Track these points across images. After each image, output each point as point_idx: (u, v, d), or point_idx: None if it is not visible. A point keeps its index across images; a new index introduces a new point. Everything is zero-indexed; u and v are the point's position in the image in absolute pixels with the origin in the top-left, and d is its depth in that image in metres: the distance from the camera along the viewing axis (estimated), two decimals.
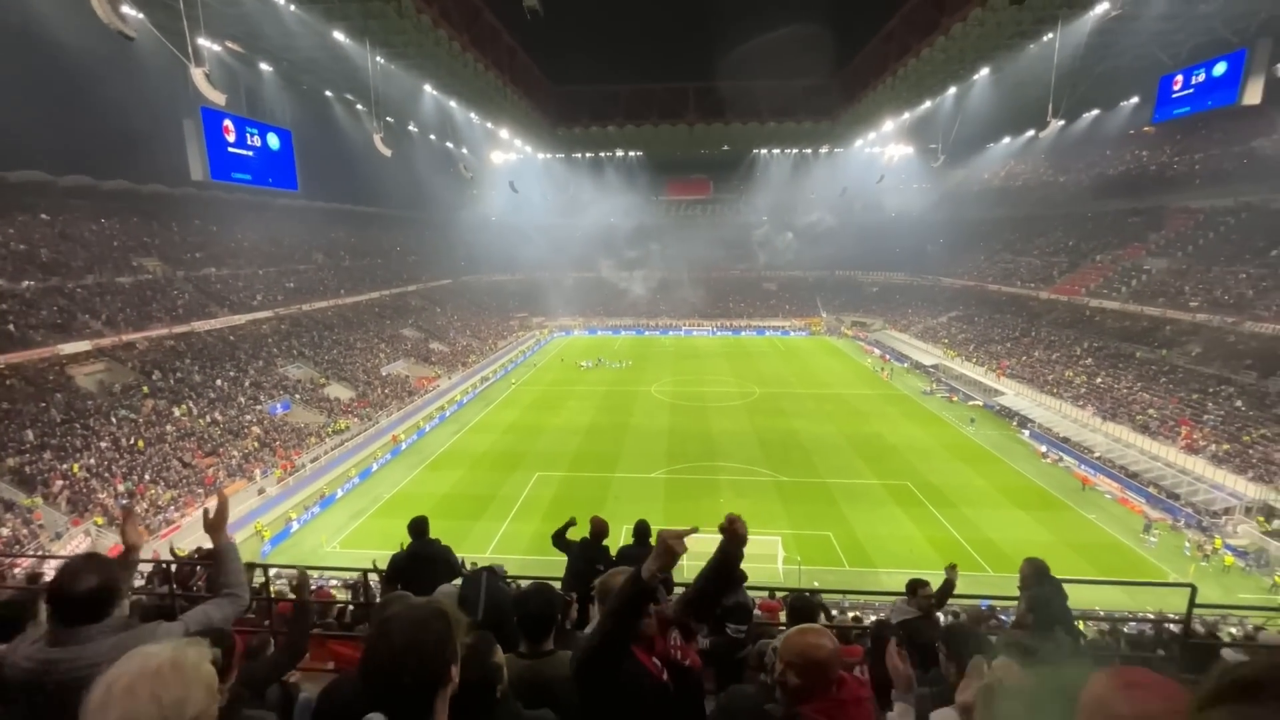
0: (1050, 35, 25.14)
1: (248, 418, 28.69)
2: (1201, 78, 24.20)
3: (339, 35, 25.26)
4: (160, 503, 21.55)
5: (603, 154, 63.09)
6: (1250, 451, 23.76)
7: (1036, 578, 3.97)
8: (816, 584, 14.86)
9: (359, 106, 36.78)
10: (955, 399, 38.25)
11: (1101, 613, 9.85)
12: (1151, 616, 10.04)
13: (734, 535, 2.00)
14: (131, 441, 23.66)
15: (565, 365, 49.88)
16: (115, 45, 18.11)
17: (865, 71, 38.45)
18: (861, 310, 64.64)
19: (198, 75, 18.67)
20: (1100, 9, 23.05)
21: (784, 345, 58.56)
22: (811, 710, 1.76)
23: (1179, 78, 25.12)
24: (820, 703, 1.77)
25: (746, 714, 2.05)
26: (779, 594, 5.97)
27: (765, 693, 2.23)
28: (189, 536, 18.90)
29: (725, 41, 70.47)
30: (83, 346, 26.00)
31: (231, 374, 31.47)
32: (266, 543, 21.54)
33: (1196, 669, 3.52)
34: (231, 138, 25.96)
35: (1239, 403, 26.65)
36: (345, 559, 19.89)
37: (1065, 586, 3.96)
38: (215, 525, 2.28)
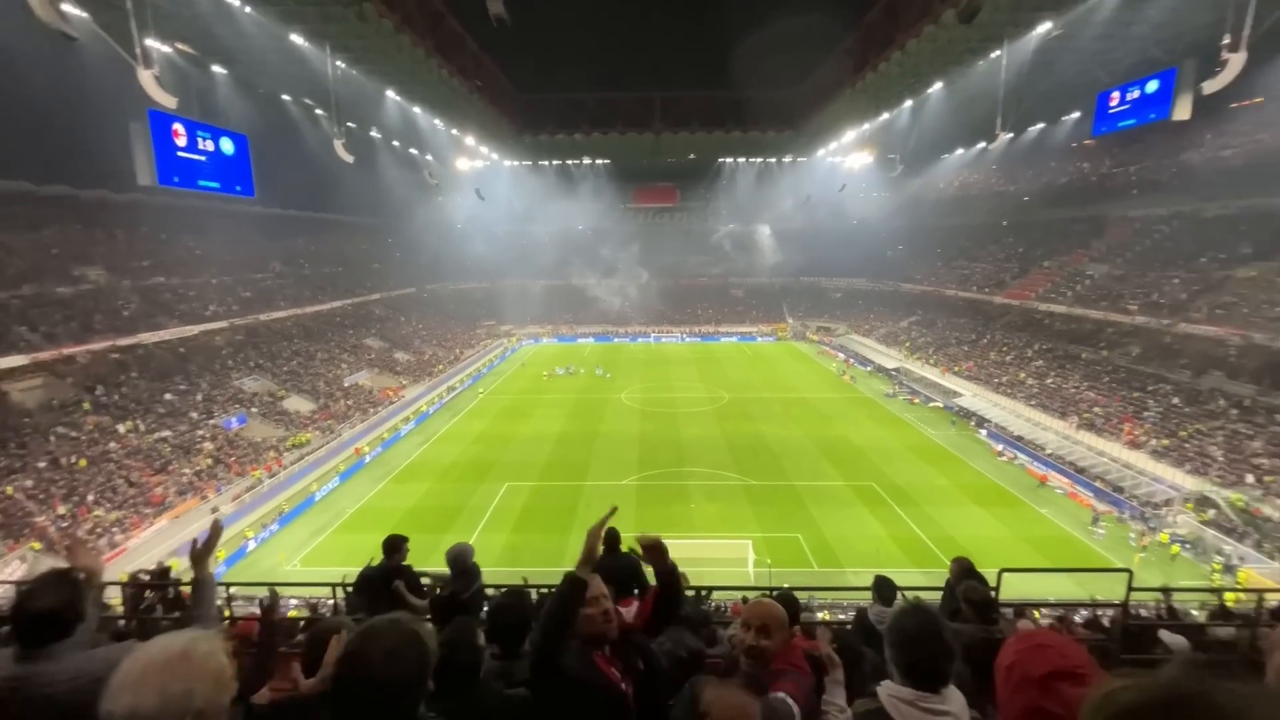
0: (998, 52, 26.41)
1: (200, 433, 27.51)
2: (1136, 94, 25.74)
3: (296, 38, 24.66)
4: (105, 524, 20.44)
5: (570, 161, 63.09)
6: (1186, 446, 25.21)
7: (963, 574, 4.42)
8: (786, 585, 15.07)
9: (319, 111, 35.95)
10: (917, 401, 39.43)
11: (1053, 600, 10.30)
12: (1100, 601, 10.55)
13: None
14: (72, 460, 22.39)
15: (529, 372, 49.42)
16: (57, 45, 17.29)
17: (826, 83, 39.58)
18: (826, 315, 66.14)
19: (146, 77, 17.93)
20: (1043, 28, 24.35)
21: (751, 351, 59.39)
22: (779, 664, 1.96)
23: (1116, 94, 26.67)
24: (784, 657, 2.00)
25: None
26: (750, 596, 6.05)
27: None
28: (137, 559, 17.97)
29: (690, 52, 71.83)
30: (18, 361, 24.50)
31: (182, 388, 30.14)
32: (221, 563, 20.62)
33: (1135, 649, 3.74)
34: (182, 142, 25.00)
35: (1175, 400, 28.27)
36: (307, 577, 19.23)
37: (1020, 577, 4.30)
38: (203, 554, 2.22)
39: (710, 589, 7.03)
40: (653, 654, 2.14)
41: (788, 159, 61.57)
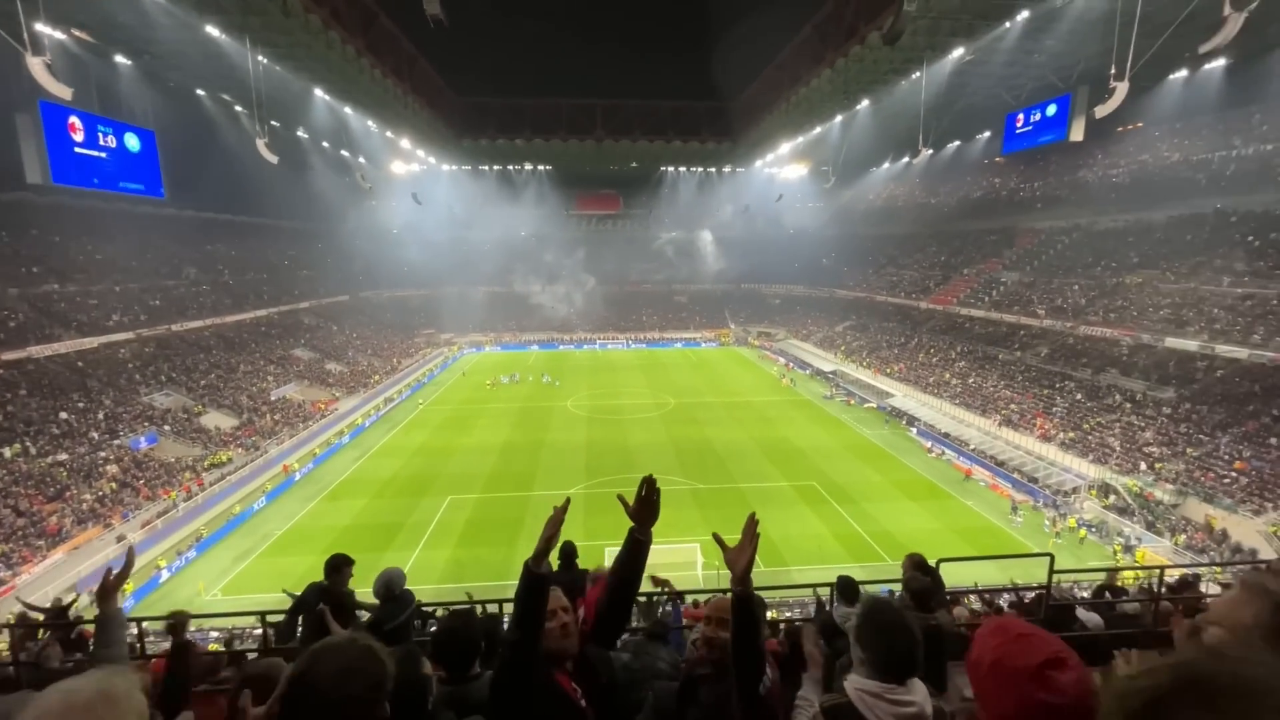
0: (918, 74, 28.19)
1: (102, 454, 25.09)
2: (1038, 116, 28.05)
3: (212, 30, 23.10)
4: None
5: (511, 167, 62.19)
6: (1090, 438, 27.59)
7: (915, 568, 4.63)
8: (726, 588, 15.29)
9: (239, 109, 33.78)
10: (853, 402, 41.20)
11: (980, 586, 10.96)
12: (1020, 585, 11.34)
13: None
14: None
15: (472, 381, 48.16)
16: None
17: (763, 97, 40.96)
18: (766, 321, 68.14)
19: (36, 65, 16.30)
20: (957, 53, 26.23)
21: (695, 356, 60.33)
22: None
23: (1020, 116, 28.96)
24: None
25: None
26: (700, 600, 6.10)
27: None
28: (29, 596, 16.09)
29: (632, 61, 72.60)
30: None
31: (80, 405, 27.42)
32: (129, 596, 18.83)
33: (1058, 627, 4.04)
34: (79, 137, 22.82)
35: (1079, 395, 30.90)
36: (230, 607, 17.86)
37: (948, 566, 4.51)
38: (113, 587, 2.01)
39: (661, 595, 7.02)
40: (613, 668, 2.10)
41: (727, 169, 63.15)
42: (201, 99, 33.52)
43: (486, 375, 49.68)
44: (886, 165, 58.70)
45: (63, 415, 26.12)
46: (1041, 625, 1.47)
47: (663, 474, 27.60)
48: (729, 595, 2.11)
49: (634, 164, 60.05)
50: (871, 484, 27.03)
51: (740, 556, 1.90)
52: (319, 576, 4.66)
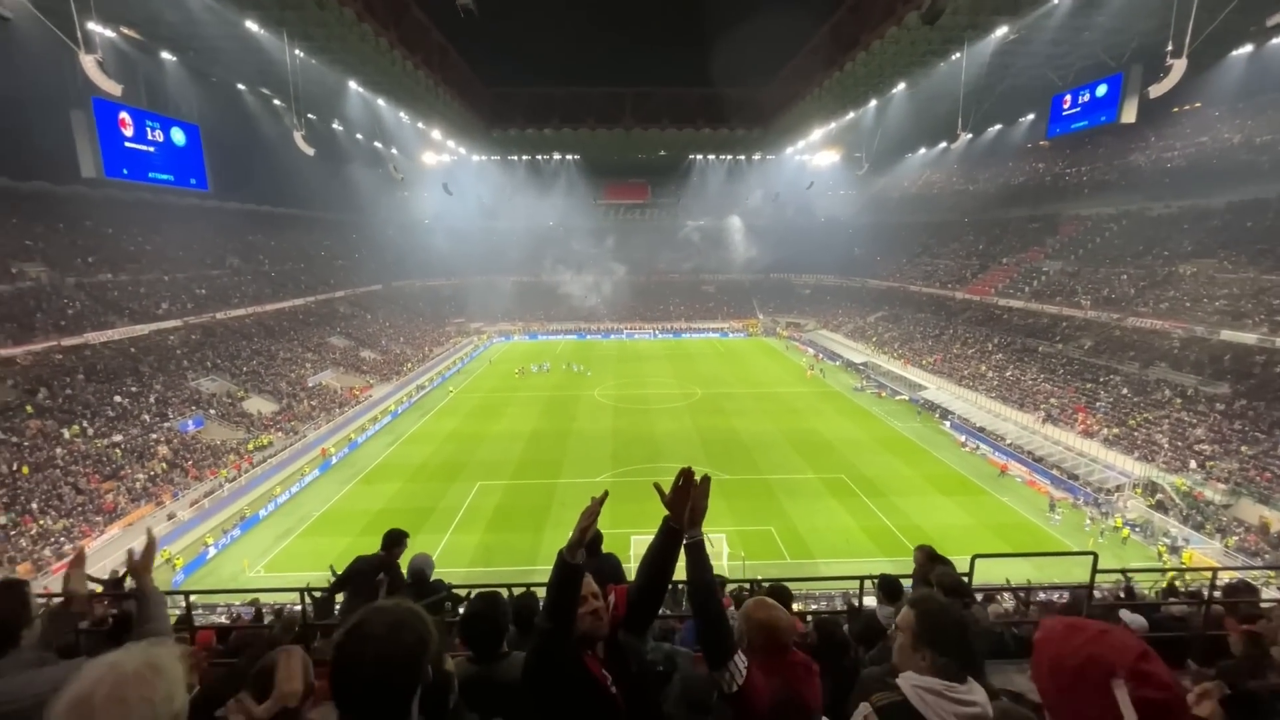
0: (958, 55, 27.13)
1: (154, 436, 26.33)
2: (1087, 98, 26.75)
3: (252, 25, 23.68)
4: (52, 533, 19.40)
5: (539, 157, 62.44)
6: (1135, 434, 26.48)
7: (929, 560, 4.57)
8: (761, 578, 15.26)
9: (277, 102, 34.64)
10: (884, 395, 40.39)
11: (1014, 584, 10.65)
12: (1061, 584, 10.99)
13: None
14: (14, 467, 21.17)
15: (500, 369, 48.82)
16: None
17: (794, 82, 40.06)
18: (795, 311, 67.15)
19: (89, 63, 17.00)
20: (1000, 32, 25.11)
21: (723, 346, 59.91)
22: (759, 667, 1.86)
23: (1068, 97, 27.65)
24: (772, 663, 1.91)
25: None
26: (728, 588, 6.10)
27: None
28: (88, 569, 17.07)
29: (661, 49, 71.78)
30: None
31: (133, 389, 28.78)
32: (179, 571, 19.84)
33: None
34: (129, 132, 23.73)
35: (1125, 390, 29.65)
36: (271, 584, 18.62)
37: (985, 562, 4.50)
38: (142, 567, 2.11)
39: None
40: (644, 656, 2.11)
41: (757, 156, 62.17)
42: (242, 94, 34.50)
43: (514, 364, 50.30)
44: (922, 151, 56.92)
45: (117, 399, 27.46)
46: None
47: (689, 464, 27.67)
48: (763, 591, 2.09)
49: (662, 152, 59.59)
50: (902, 477, 26.53)
51: (675, 506, 2.02)
52: (354, 556, 4.83)
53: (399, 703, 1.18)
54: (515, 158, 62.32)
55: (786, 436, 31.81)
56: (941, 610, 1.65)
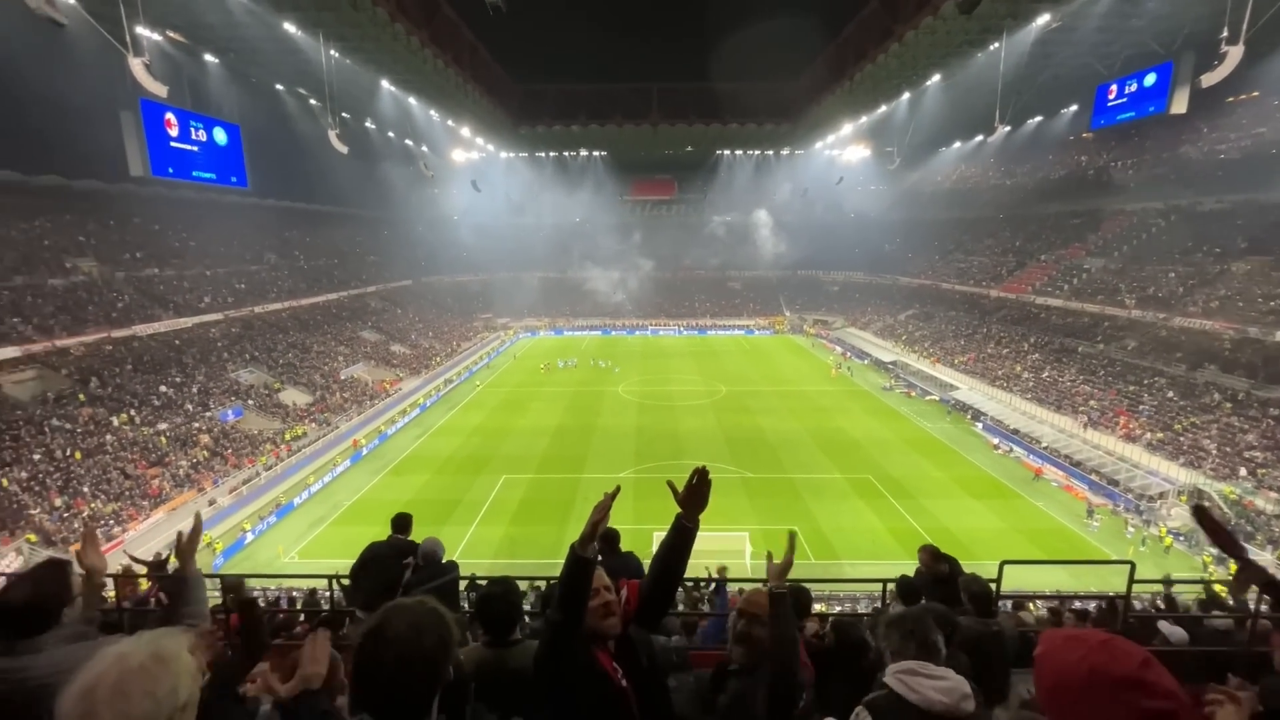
0: (996, 44, 26.28)
1: (196, 425, 27.40)
2: (1134, 87, 25.69)
3: (289, 27, 24.35)
4: (102, 516, 20.37)
5: (567, 153, 62.74)
6: (1181, 439, 25.38)
7: (934, 560, 4.53)
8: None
9: (312, 101, 35.55)
10: (913, 394, 39.55)
11: (1049, 592, 10.34)
12: (1097, 594, 10.62)
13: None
14: (67, 453, 22.29)
15: (526, 365, 49.33)
16: (44, 32, 17.04)
17: (824, 76, 39.37)
18: (823, 309, 66.12)
19: (136, 66, 17.72)
20: (1041, 20, 24.23)
21: (749, 344, 59.41)
22: None
23: (1114, 87, 26.59)
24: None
25: None
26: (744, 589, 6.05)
27: None
28: (134, 551, 17.91)
29: (688, 44, 71.38)
30: (11, 353, 24.36)
31: (177, 379, 29.99)
32: (219, 555, 20.62)
33: (1138, 641, 3.75)
34: (174, 132, 24.74)
35: (1170, 393, 28.41)
36: (305, 569, 19.23)
37: (1014, 568, 4.37)
38: (188, 551, 2.18)
39: (711, 581, 7.04)
40: (654, 650, 2.11)
41: (785, 151, 61.34)
42: (280, 94, 35.50)
43: (540, 360, 50.78)
44: (957, 145, 55.30)
45: (162, 388, 28.66)
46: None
47: (713, 462, 27.47)
48: (765, 589, 2.11)
49: (689, 148, 59.27)
50: (931, 479, 25.94)
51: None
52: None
53: (419, 704, 1.19)
54: (543, 154, 62.77)
55: (812, 435, 31.41)
56: (905, 616, 1.88)
